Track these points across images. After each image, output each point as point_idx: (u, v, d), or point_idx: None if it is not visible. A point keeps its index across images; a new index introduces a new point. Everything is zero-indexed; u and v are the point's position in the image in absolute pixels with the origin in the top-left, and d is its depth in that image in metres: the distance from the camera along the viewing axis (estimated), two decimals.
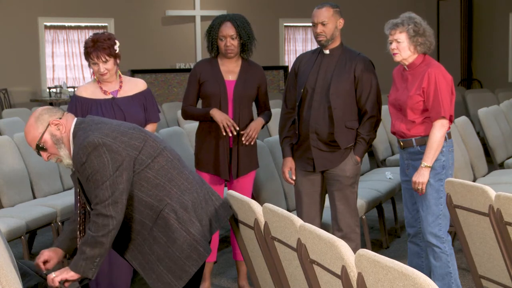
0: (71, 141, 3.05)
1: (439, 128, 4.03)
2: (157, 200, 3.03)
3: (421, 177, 4.05)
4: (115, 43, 4.07)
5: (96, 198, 2.93)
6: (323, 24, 4.28)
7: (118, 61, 4.12)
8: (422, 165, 4.05)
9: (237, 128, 4.46)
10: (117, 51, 4.08)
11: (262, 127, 4.62)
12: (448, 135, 4.13)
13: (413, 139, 4.14)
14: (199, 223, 3.06)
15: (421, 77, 4.07)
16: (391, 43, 4.12)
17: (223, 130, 4.43)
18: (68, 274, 2.96)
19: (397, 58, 4.12)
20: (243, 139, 4.49)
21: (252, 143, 4.55)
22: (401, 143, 4.21)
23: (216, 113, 4.46)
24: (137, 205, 3.02)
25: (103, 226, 2.91)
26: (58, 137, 3.05)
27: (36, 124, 3.06)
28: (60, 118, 3.07)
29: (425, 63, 4.12)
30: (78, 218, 3.16)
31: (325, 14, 4.27)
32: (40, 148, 3.05)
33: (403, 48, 4.08)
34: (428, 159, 4.03)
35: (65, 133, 3.05)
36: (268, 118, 4.67)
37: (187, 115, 4.64)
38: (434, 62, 4.15)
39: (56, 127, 3.05)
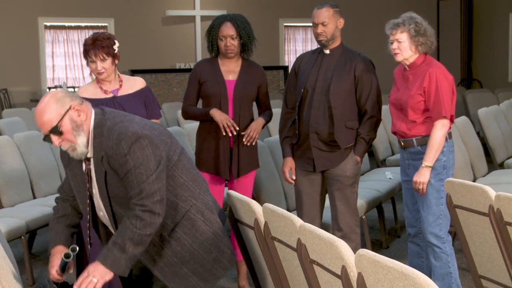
0: (92, 130, 2.83)
1: (440, 128, 4.03)
2: (182, 200, 2.91)
3: (422, 177, 4.05)
4: (114, 43, 4.09)
5: (141, 193, 2.74)
6: (323, 24, 4.28)
7: (116, 61, 4.13)
8: (422, 165, 4.05)
9: (237, 128, 4.46)
10: (116, 51, 4.09)
11: (263, 127, 4.62)
12: (449, 135, 4.13)
13: (414, 139, 4.14)
14: (222, 223, 3.00)
15: (422, 77, 4.07)
16: (392, 43, 4.11)
17: (223, 130, 4.43)
18: (107, 276, 2.75)
19: (398, 58, 4.12)
20: (244, 139, 4.49)
21: (253, 144, 4.55)
22: (402, 143, 4.21)
23: (216, 113, 4.46)
24: None
25: (151, 225, 2.75)
26: (78, 124, 2.80)
27: (56, 105, 2.78)
28: (81, 104, 2.84)
29: (426, 63, 4.12)
30: (88, 216, 2.98)
31: (325, 14, 4.28)
32: (55, 131, 2.78)
33: (404, 48, 4.08)
34: (429, 159, 4.03)
35: (86, 121, 2.82)
36: (268, 118, 4.66)
37: (187, 115, 4.64)
38: (435, 62, 4.15)
39: (77, 112, 2.80)
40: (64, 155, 3.01)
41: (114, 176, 2.82)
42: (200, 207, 2.94)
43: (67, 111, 2.78)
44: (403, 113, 4.15)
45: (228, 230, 6.00)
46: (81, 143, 2.82)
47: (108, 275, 2.75)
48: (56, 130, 2.78)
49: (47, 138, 2.83)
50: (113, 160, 2.78)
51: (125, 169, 2.76)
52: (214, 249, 2.94)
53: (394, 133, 4.27)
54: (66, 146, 2.83)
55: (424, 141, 4.11)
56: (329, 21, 4.28)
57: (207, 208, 2.96)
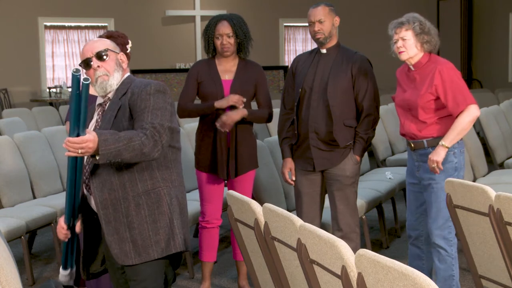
0: (124, 78, 3.12)
1: (469, 113, 3.94)
2: (162, 178, 3.04)
3: (437, 155, 3.97)
4: (127, 42, 4.10)
5: (155, 128, 2.89)
6: (320, 22, 4.30)
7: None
8: (440, 143, 3.97)
9: (244, 100, 4.45)
10: (128, 51, 4.09)
11: (250, 121, 4.53)
12: None
13: (425, 140, 4.07)
14: (182, 224, 3.08)
15: (432, 75, 4.01)
16: (396, 41, 4.06)
17: (239, 104, 4.41)
18: (90, 150, 2.76)
19: (403, 56, 4.06)
20: (216, 123, 4.45)
21: (227, 130, 4.47)
22: (412, 145, 4.13)
23: (220, 100, 4.44)
24: (144, 166, 3.00)
25: (149, 149, 2.86)
26: (120, 65, 3.13)
27: (111, 42, 3.16)
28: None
29: (431, 61, 4.06)
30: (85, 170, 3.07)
31: (321, 12, 4.31)
32: (101, 55, 3.07)
33: (409, 45, 4.03)
34: (448, 139, 3.96)
35: (124, 70, 3.16)
36: (262, 114, 4.58)
37: (185, 112, 4.57)
38: (441, 59, 4.09)
39: (121, 61, 3.16)
40: None
41: (125, 112, 2.99)
42: (172, 194, 3.05)
43: (117, 53, 3.15)
44: (412, 114, 4.08)
45: (228, 230, 6.01)
46: (116, 76, 3.09)
47: (92, 150, 2.77)
48: (102, 55, 3.07)
49: (86, 61, 3.07)
50: (136, 96, 2.98)
51: (144, 105, 2.95)
52: (162, 233, 3.02)
53: (403, 135, 4.19)
54: (101, 72, 3.08)
55: (435, 142, 4.03)
56: (325, 18, 4.30)
57: (178, 200, 3.07)
